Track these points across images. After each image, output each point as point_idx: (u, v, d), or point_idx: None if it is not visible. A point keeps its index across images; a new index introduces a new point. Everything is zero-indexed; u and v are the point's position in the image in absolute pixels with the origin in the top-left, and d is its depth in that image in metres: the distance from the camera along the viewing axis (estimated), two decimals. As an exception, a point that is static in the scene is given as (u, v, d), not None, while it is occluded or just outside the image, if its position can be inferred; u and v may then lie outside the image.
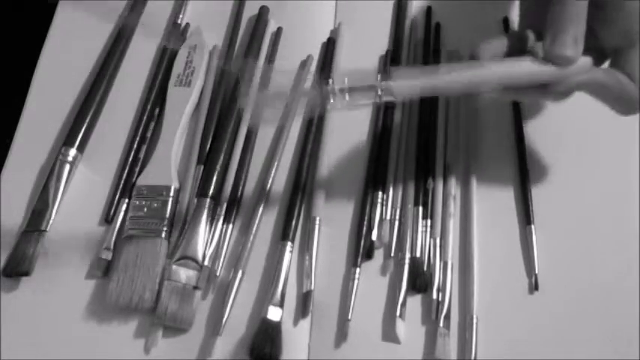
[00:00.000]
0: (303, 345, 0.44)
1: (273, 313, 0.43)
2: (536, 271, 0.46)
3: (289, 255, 0.46)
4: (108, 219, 0.47)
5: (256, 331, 0.43)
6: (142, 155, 0.50)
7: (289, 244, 0.46)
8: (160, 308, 0.43)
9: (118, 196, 0.48)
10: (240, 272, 0.45)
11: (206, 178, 0.48)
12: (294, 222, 0.47)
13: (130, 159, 0.50)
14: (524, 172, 0.50)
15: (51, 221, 0.46)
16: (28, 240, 0.45)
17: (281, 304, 0.44)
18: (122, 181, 0.48)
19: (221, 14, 0.58)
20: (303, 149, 0.50)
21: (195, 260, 0.45)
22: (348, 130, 0.52)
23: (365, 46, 0.57)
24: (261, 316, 0.43)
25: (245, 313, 0.44)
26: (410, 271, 0.46)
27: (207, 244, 0.46)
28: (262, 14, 0.57)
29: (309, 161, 0.50)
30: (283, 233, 0.47)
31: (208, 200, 0.47)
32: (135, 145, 0.50)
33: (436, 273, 0.46)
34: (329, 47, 0.56)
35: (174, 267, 0.45)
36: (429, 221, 0.48)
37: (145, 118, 0.51)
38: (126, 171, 0.49)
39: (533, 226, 0.48)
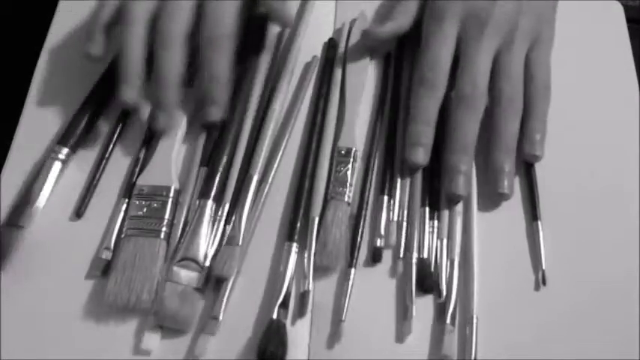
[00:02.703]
0: (303, 345, 0.44)
1: (281, 314, 0.43)
2: (544, 267, 0.46)
3: (295, 256, 0.46)
4: (79, 213, 0.47)
5: (265, 331, 0.43)
6: (142, 155, 0.50)
7: (295, 245, 0.46)
8: (160, 309, 0.43)
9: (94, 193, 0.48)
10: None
11: (208, 179, 0.48)
12: (299, 223, 0.47)
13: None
14: (530, 168, 0.50)
15: (32, 218, 0.46)
16: (5, 235, 0.45)
17: (286, 305, 0.44)
18: (96, 180, 0.48)
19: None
20: (308, 149, 0.50)
21: (196, 262, 0.45)
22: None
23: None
24: (269, 316, 0.43)
25: (250, 313, 0.44)
26: (418, 272, 0.46)
27: (208, 245, 0.46)
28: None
29: (314, 161, 0.50)
30: (289, 234, 0.47)
31: (210, 202, 0.47)
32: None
33: (443, 272, 0.46)
34: (331, 47, 0.56)
35: (174, 268, 0.44)
36: (436, 222, 0.48)
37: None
38: (103, 169, 0.49)
39: (540, 222, 0.48)
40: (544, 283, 0.46)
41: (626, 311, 0.46)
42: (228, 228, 0.46)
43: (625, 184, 0.51)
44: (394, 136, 0.52)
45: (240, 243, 0.45)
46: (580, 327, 0.45)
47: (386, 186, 0.49)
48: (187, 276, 0.44)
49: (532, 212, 0.49)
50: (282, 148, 0.50)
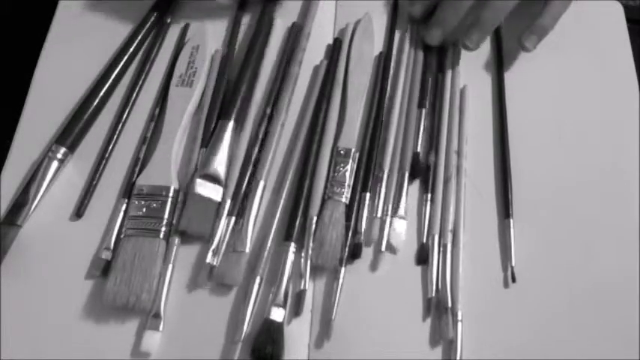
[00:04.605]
0: (303, 345, 0.44)
1: (276, 314, 0.43)
2: (513, 264, 0.46)
3: (292, 256, 0.46)
4: (79, 213, 0.47)
5: (258, 331, 0.43)
6: (142, 155, 0.50)
7: (292, 244, 0.46)
8: (184, 218, 0.46)
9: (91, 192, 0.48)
10: (258, 278, 0.45)
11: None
12: (297, 222, 0.47)
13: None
14: (505, 166, 0.51)
15: (28, 217, 0.46)
16: (1, 233, 0.45)
17: (284, 305, 0.44)
18: (96, 180, 0.48)
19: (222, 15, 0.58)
20: (308, 149, 0.50)
21: (217, 179, 0.47)
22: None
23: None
24: (264, 316, 0.43)
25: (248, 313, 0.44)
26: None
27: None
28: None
29: (314, 161, 0.50)
30: (287, 234, 0.47)
31: (231, 123, 0.48)
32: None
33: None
34: (335, 47, 0.56)
35: (198, 180, 0.47)
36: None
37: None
38: (102, 168, 0.49)
39: (512, 220, 0.48)
40: (513, 280, 0.46)
41: (601, 310, 0.46)
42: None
43: (624, 185, 0.51)
44: (378, 134, 0.52)
45: (247, 250, 0.46)
46: (553, 325, 0.46)
47: (368, 184, 0.49)
48: (210, 190, 0.47)
49: (505, 210, 0.49)
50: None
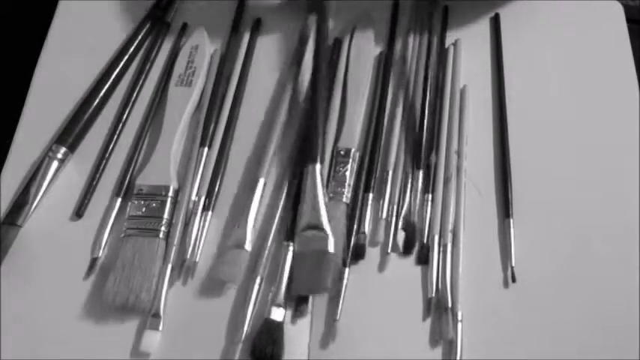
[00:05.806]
0: (303, 345, 0.44)
1: (276, 314, 0.43)
2: (513, 264, 0.46)
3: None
4: (79, 213, 0.47)
5: (259, 331, 0.43)
6: (140, 155, 0.50)
7: (292, 244, 0.46)
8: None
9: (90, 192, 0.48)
10: (258, 278, 0.45)
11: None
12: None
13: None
14: (505, 166, 0.51)
15: (29, 217, 0.46)
16: (2, 233, 0.45)
17: (284, 305, 0.44)
18: (96, 180, 0.48)
19: (221, 15, 0.58)
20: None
21: None
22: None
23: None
24: (264, 316, 0.43)
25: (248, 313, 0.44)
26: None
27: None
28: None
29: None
30: (287, 234, 0.46)
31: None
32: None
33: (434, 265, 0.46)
34: (335, 47, 0.56)
35: None
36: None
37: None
38: (102, 168, 0.49)
39: (512, 220, 0.48)
40: (513, 280, 0.46)
41: (600, 310, 0.46)
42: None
43: (624, 184, 0.51)
44: (379, 134, 0.52)
45: (248, 248, 0.46)
46: (553, 324, 0.46)
47: (371, 184, 0.49)
48: None
49: (505, 210, 0.49)
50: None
